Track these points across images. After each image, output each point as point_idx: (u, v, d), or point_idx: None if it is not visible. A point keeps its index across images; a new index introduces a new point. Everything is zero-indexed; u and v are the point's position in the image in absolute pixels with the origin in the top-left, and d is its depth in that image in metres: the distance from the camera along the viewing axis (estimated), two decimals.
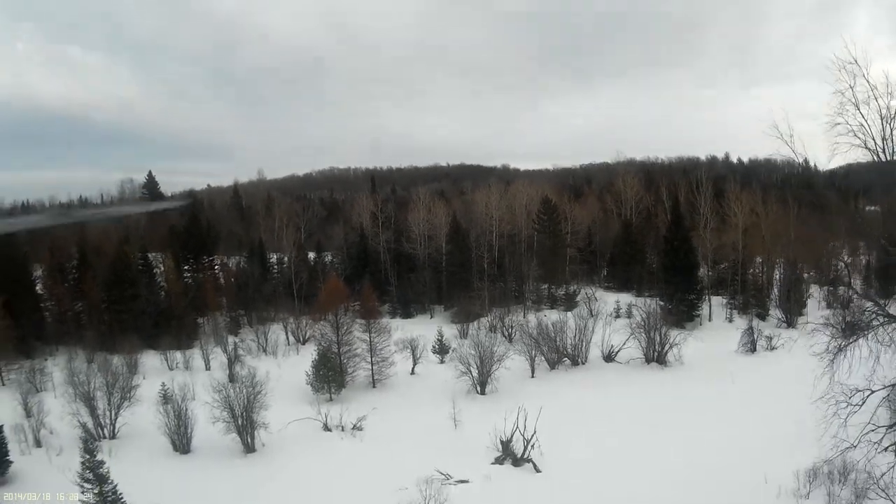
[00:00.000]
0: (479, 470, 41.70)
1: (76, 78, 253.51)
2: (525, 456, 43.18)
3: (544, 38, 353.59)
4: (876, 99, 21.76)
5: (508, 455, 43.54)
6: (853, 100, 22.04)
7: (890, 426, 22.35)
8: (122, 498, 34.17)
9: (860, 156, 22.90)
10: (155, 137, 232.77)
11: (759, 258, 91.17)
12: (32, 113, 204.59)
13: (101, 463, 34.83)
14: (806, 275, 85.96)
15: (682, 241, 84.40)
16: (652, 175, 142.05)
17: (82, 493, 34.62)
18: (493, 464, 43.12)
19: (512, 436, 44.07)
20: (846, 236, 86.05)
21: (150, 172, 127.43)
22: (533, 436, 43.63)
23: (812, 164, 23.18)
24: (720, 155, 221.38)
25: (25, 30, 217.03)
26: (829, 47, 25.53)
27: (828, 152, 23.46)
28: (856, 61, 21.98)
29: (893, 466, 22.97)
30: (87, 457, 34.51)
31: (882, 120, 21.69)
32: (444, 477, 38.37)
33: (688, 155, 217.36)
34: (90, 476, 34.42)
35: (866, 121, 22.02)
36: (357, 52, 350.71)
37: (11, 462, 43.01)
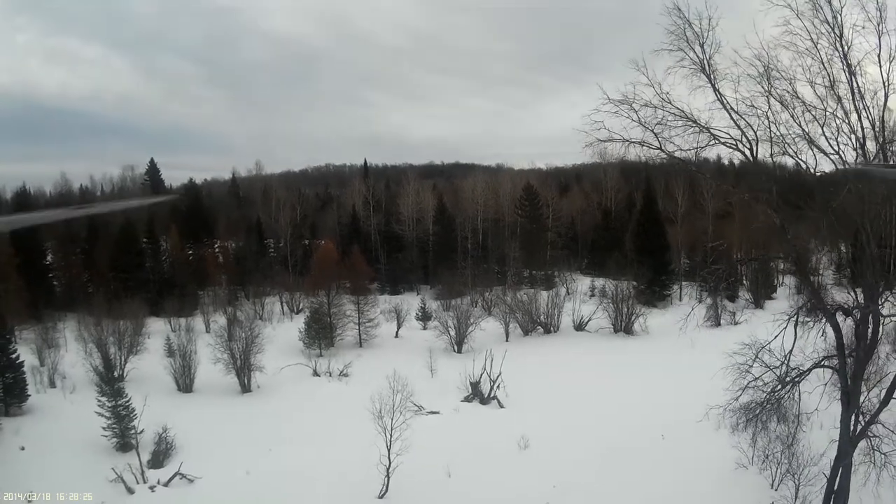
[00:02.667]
0: (449, 405, 47.43)
1: (75, 71, 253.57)
2: (491, 395, 48.75)
3: (540, 37, 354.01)
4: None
5: (476, 394, 49.23)
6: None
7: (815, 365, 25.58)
8: (133, 410, 39.17)
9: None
10: (153, 130, 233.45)
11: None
12: (32, 105, 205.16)
13: (117, 378, 39.92)
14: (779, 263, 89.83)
15: (653, 223, 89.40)
16: (634, 167, 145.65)
17: (99, 405, 39.87)
18: (462, 401, 48.85)
19: (480, 377, 49.65)
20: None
21: (151, 160, 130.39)
22: (498, 377, 49.33)
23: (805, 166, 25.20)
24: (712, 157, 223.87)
25: (25, 22, 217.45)
26: None
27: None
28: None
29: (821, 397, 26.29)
30: (106, 373, 39.51)
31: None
32: (417, 408, 43.48)
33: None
34: (108, 390, 39.55)
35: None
36: (352, 47, 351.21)
37: (30, 395, 48.11)
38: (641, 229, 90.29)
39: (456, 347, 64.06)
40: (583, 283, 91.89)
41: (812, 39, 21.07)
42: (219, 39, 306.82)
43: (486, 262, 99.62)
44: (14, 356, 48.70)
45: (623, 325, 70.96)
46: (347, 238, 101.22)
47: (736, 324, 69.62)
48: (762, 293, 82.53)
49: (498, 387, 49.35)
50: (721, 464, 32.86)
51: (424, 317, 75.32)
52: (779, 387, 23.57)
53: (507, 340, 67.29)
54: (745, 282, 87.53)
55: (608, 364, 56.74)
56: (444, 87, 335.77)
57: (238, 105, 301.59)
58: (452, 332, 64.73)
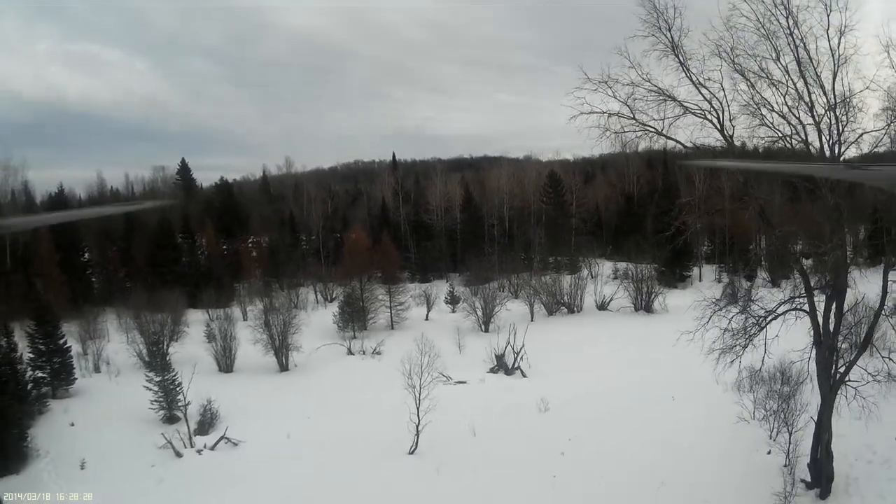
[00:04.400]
0: (476, 377, 50.36)
1: (97, 76, 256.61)
2: (515, 366, 51.67)
3: (562, 28, 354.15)
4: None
5: (501, 366, 52.15)
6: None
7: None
8: (180, 383, 42.11)
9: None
10: (179, 133, 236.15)
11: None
12: (57, 111, 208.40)
13: (167, 354, 42.80)
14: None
15: (673, 206, 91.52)
16: (657, 155, 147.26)
17: (148, 380, 42.90)
18: (487, 372, 51.71)
19: (504, 350, 52.47)
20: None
21: (182, 160, 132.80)
22: (522, 349, 52.25)
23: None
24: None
25: (45, 30, 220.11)
26: None
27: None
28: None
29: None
30: (154, 348, 42.37)
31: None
32: (445, 378, 46.27)
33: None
34: (157, 363, 42.54)
35: None
36: (375, 42, 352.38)
37: (76, 378, 51.06)
38: (661, 212, 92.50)
39: (483, 327, 66.95)
40: (606, 266, 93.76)
41: (760, 20, 23.50)
42: (240, 38, 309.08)
43: (512, 249, 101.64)
44: (62, 341, 51.42)
45: (643, 304, 73.45)
46: (378, 229, 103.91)
47: (752, 300, 71.48)
48: (779, 272, 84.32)
49: (521, 358, 52.31)
50: (725, 420, 35.20)
51: (453, 300, 78.11)
52: (752, 321, 25.97)
53: (532, 320, 69.89)
54: (762, 262, 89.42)
55: (627, 338, 58.99)
56: (469, 80, 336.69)
57: (264, 104, 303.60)
58: (479, 313, 67.90)
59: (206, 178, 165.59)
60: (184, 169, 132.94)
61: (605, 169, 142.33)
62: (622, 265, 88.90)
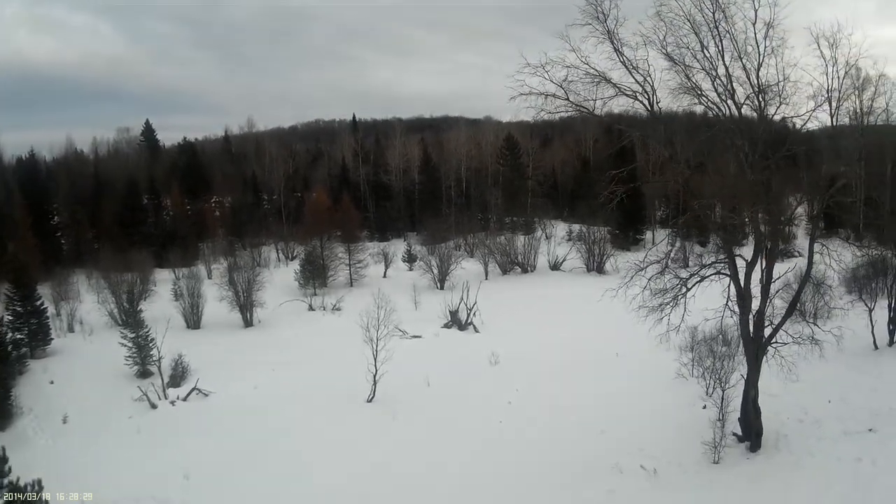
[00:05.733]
0: (430, 332, 53.56)
1: (63, 39, 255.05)
2: (468, 322, 54.90)
3: None
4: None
5: (455, 322, 55.38)
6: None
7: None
8: (153, 339, 44.62)
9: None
10: (144, 94, 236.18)
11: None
12: (26, 75, 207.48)
13: (139, 311, 45.14)
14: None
15: (626, 171, 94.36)
16: (616, 120, 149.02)
17: (122, 337, 45.43)
18: (442, 328, 54.97)
19: (458, 307, 55.59)
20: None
21: (147, 121, 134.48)
22: (474, 306, 55.52)
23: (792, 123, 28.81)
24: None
25: None
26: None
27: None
28: None
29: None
30: (128, 306, 44.65)
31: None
32: (401, 333, 49.26)
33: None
34: (130, 321, 44.94)
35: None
36: (341, 4, 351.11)
37: (52, 339, 53.06)
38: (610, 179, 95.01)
39: (438, 285, 70.40)
40: (561, 228, 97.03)
41: (687, 14, 26.05)
42: (204, 1, 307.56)
43: (469, 210, 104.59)
44: (38, 303, 53.25)
45: (595, 265, 76.98)
46: (338, 189, 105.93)
47: (714, 263, 74.38)
48: (733, 239, 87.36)
49: (474, 315, 55.66)
50: (665, 377, 38.10)
51: (410, 259, 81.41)
52: (677, 283, 28.71)
53: (486, 279, 73.46)
54: (730, 228, 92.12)
55: (577, 297, 61.33)
56: (432, 42, 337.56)
57: (227, 65, 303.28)
58: (435, 271, 71.34)
59: (169, 137, 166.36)
60: (148, 130, 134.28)
61: (563, 133, 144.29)
62: (577, 227, 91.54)
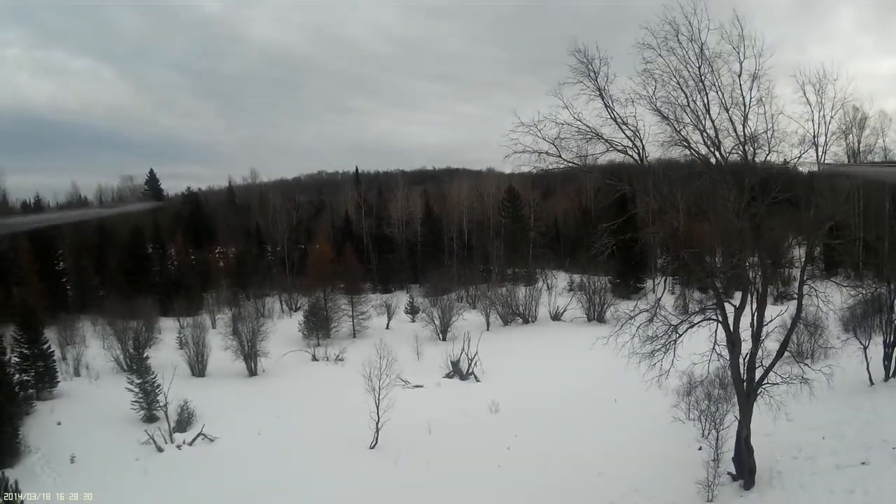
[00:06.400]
0: (432, 381, 54.33)
1: (64, 84, 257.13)
2: (469, 371, 55.73)
3: (524, 42, 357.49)
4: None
5: (456, 371, 56.25)
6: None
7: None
8: (159, 385, 45.39)
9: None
10: (146, 142, 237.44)
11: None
12: (25, 119, 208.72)
13: (146, 357, 46.00)
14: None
15: (625, 221, 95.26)
16: (617, 169, 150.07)
17: (129, 382, 46.25)
18: (443, 377, 55.86)
19: (459, 357, 56.54)
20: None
21: (151, 170, 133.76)
22: (475, 356, 56.40)
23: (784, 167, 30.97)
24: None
25: (13, 37, 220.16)
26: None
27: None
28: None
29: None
30: (134, 352, 45.52)
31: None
32: (403, 382, 49.94)
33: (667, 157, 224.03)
34: (136, 367, 45.77)
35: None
36: (338, 55, 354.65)
37: (59, 381, 53.81)
38: (615, 227, 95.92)
39: (441, 335, 71.11)
40: (562, 278, 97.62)
41: (673, 72, 27.09)
42: (205, 50, 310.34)
43: (471, 261, 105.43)
44: (45, 346, 54.19)
45: (596, 315, 77.52)
46: (341, 241, 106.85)
47: (704, 310, 75.13)
48: (732, 285, 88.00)
49: (475, 364, 56.53)
50: (663, 421, 38.51)
51: (413, 310, 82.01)
52: (670, 329, 29.46)
53: (487, 329, 74.07)
54: (719, 275, 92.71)
55: (577, 347, 62.02)
56: (431, 93, 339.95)
57: (229, 115, 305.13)
58: (437, 322, 72.17)
59: (172, 186, 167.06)
60: (152, 179, 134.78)
61: (565, 183, 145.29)
62: (578, 277, 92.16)
